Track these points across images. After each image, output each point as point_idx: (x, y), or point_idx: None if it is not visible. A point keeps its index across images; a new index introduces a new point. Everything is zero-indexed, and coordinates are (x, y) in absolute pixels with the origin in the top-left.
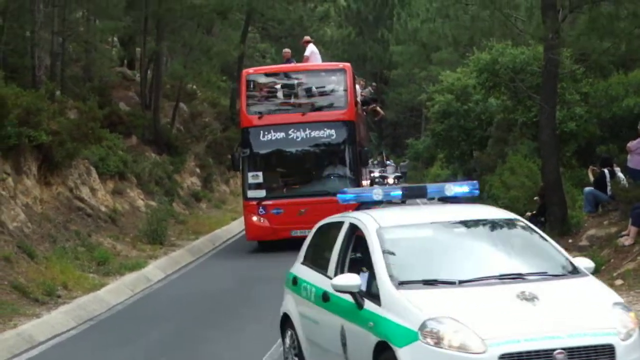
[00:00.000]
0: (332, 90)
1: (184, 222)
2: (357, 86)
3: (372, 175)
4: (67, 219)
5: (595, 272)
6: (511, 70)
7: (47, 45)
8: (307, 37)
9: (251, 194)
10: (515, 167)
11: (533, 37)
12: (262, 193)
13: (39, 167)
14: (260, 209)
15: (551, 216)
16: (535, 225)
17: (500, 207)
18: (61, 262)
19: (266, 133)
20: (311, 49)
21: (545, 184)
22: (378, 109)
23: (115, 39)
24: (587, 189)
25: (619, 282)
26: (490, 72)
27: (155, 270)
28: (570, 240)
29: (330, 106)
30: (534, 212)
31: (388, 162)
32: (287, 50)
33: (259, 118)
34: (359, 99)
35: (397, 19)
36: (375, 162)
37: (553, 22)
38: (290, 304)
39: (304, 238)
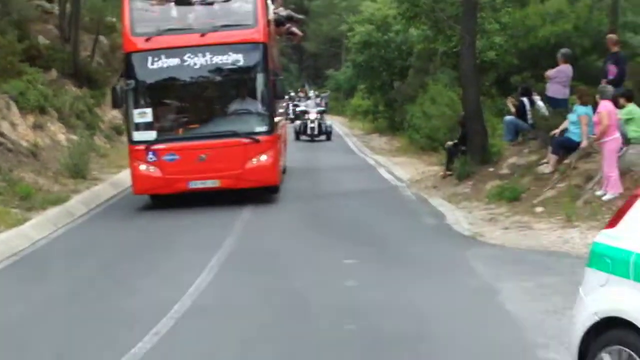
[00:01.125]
0: (238, 5)
1: (106, 156)
2: (270, 2)
3: (296, 109)
4: None
5: (515, 199)
6: (432, 0)
7: None
8: None
9: (138, 136)
10: (436, 97)
11: None
12: (151, 135)
13: None
14: (150, 155)
15: (472, 145)
16: (457, 153)
17: (422, 136)
18: None
19: (156, 59)
20: None
21: (466, 113)
22: (295, 29)
23: None
24: (507, 117)
25: (539, 209)
26: (410, 2)
27: (78, 204)
28: (491, 169)
29: (236, 25)
30: (455, 141)
31: (311, 93)
32: None
33: (147, 40)
34: (271, 17)
35: None
36: (299, 94)
37: None
38: (634, 304)
39: (204, 191)
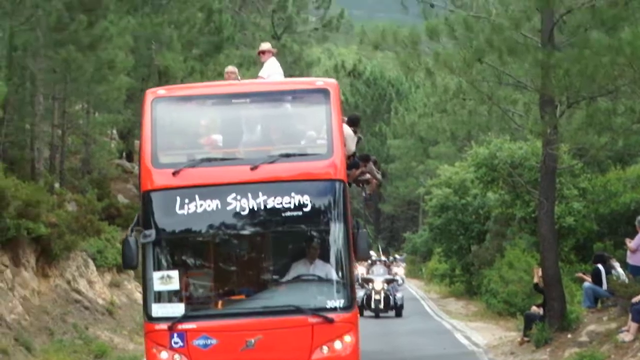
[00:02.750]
0: (306, 128)
1: None
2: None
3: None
4: (65, 312)
5: None
6: (509, 164)
7: (46, 137)
8: (268, 45)
9: (158, 310)
10: (514, 262)
11: (531, 132)
12: (178, 309)
13: (37, 259)
14: (175, 339)
15: (550, 311)
16: (535, 319)
17: (499, 301)
18: (58, 355)
19: (187, 201)
20: (272, 65)
21: (545, 279)
22: (369, 176)
23: (114, 131)
24: (586, 284)
25: None
26: (488, 166)
27: None
28: (569, 336)
29: (303, 154)
30: (534, 306)
31: (383, 258)
32: (231, 68)
33: (175, 174)
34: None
35: (394, 113)
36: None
37: (551, 118)
38: None
39: None
